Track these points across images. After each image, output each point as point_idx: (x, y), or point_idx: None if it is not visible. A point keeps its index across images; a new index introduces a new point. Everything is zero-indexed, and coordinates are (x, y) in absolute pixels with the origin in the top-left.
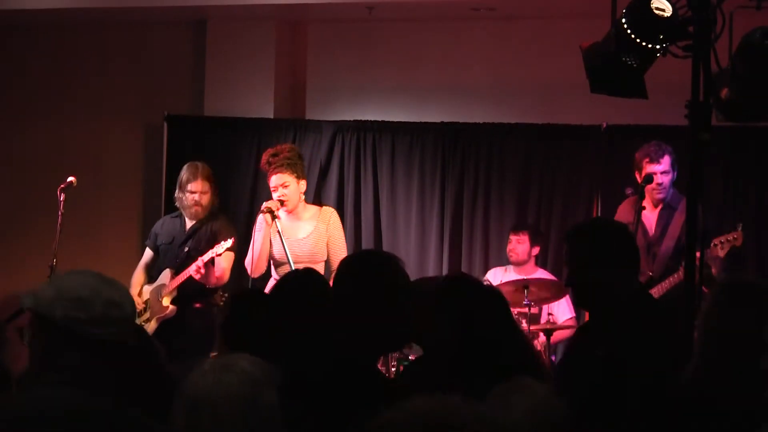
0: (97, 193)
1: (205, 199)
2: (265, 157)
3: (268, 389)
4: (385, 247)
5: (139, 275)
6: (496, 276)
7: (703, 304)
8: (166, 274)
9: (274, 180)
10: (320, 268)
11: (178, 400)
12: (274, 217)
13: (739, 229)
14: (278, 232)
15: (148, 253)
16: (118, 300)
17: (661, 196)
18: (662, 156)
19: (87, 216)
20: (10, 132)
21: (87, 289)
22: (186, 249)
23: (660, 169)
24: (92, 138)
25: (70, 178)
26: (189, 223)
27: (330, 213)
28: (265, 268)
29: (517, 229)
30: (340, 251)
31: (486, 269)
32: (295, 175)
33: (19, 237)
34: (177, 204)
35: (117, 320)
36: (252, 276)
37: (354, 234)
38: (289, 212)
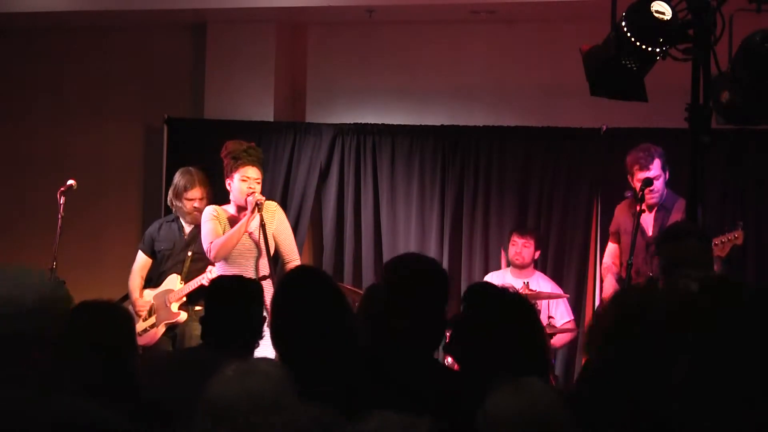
0: (97, 196)
1: (203, 204)
2: (238, 147)
3: (290, 390)
4: (385, 250)
5: (136, 280)
6: (494, 280)
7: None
8: (173, 279)
9: (252, 172)
10: (266, 263)
11: (202, 407)
12: (260, 210)
13: (740, 228)
14: (263, 225)
15: (142, 257)
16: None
17: (654, 200)
18: (651, 162)
19: (87, 219)
20: (10, 135)
21: None
22: (189, 253)
23: (651, 175)
24: (92, 141)
25: (70, 181)
26: (188, 228)
27: (274, 206)
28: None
29: (523, 233)
30: (291, 244)
31: (486, 271)
32: (263, 176)
33: (20, 240)
34: (173, 209)
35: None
36: (214, 260)
37: (354, 236)
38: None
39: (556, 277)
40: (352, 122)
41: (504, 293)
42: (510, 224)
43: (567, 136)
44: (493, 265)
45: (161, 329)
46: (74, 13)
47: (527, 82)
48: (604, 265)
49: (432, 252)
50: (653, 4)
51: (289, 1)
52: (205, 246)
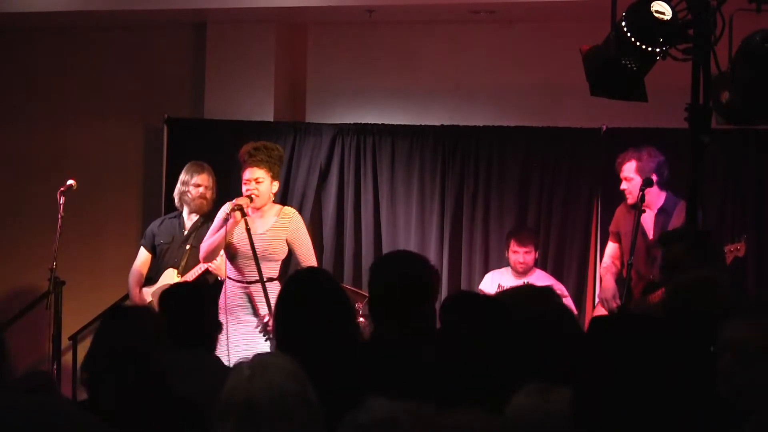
0: (97, 196)
1: (210, 194)
2: (246, 148)
3: (308, 383)
4: (385, 250)
5: (135, 276)
6: (493, 280)
7: None
8: (170, 273)
9: (248, 173)
10: (275, 266)
11: (223, 409)
12: (243, 215)
13: (743, 240)
14: (247, 229)
15: (143, 253)
16: None
17: (629, 202)
18: (624, 163)
19: (87, 219)
20: (10, 134)
21: None
22: (188, 247)
23: (621, 176)
24: (92, 141)
25: (70, 181)
26: (188, 223)
27: (291, 212)
28: (216, 258)
29: (522, 241)
30: (307, 250)
31: (486, 271)
32: (271, 174)
33: (20, 240)
34: (177, 200)
35: None
36: (203, 262)
37: (354, 237)
38: (256, 209)
39: (556, 277)
40: (352, 122)
41: (477, 301)
42: (510, 224)
43: (567, 136)
44: (493, 265)
45: None
46: (74, 13)
47: (527, 82)
48: (603, 265)
49: (432, 252)
50: (653, 4)
51: (289, 1)
52: None
